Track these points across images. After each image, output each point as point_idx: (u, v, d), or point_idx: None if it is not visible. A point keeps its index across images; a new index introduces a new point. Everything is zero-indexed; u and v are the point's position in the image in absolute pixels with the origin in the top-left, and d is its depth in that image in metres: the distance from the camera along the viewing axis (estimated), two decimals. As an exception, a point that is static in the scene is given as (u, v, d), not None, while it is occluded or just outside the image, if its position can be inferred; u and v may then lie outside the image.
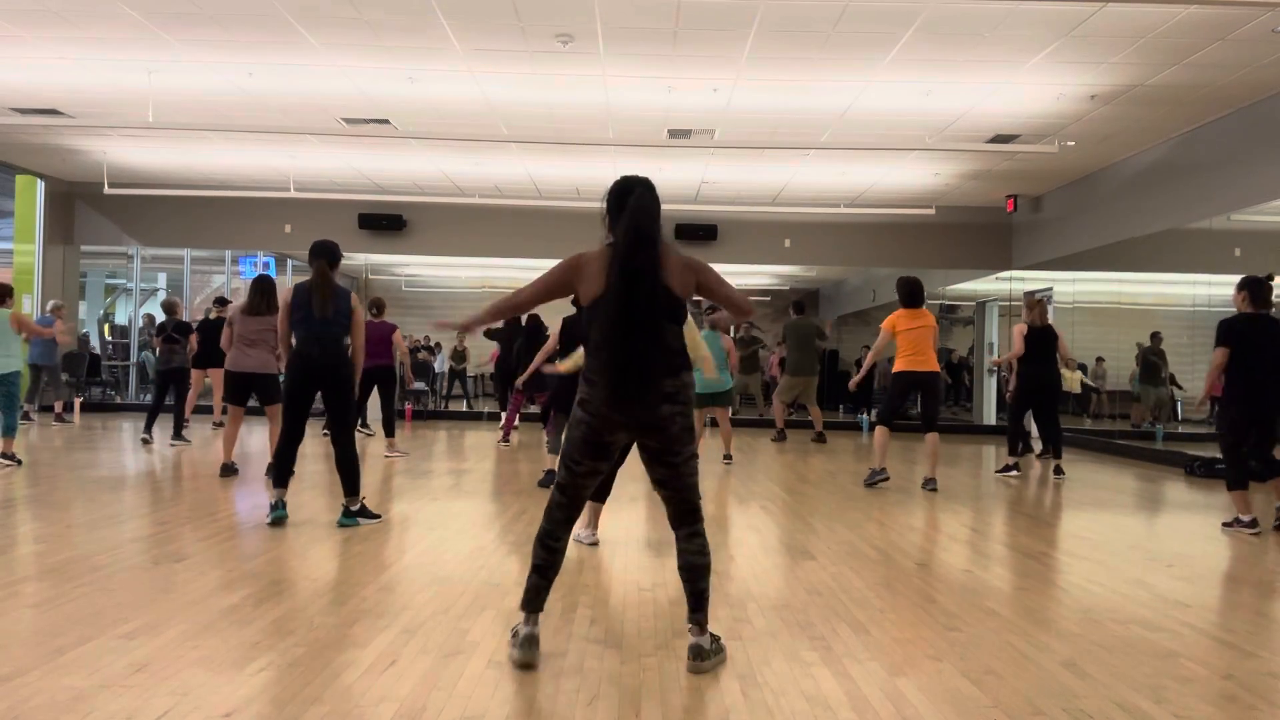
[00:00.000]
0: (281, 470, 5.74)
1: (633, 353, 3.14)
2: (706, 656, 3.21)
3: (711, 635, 3.30)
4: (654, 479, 3.32)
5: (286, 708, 2.79)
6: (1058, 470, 9.18)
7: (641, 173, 3.45)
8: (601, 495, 5.32)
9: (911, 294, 8.01)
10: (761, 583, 4.50)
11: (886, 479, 8.10)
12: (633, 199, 3.24)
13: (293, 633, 3.52)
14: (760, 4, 7.53)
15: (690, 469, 3.30)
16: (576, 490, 3.32)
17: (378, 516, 5.87)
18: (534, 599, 3.29)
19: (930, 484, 7.93)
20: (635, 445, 3.37)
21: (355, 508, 5.74)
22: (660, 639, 3.55)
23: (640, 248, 3.18)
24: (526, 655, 3.20)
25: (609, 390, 3.16)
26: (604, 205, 3.36)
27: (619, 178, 3.38)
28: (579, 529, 5.27)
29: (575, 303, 3.35)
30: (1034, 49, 8.33)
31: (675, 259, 3.29)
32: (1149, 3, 7.14)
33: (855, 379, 8.73)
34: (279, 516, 5.65)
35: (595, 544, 5.28)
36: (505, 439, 11.44)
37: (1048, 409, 9.36)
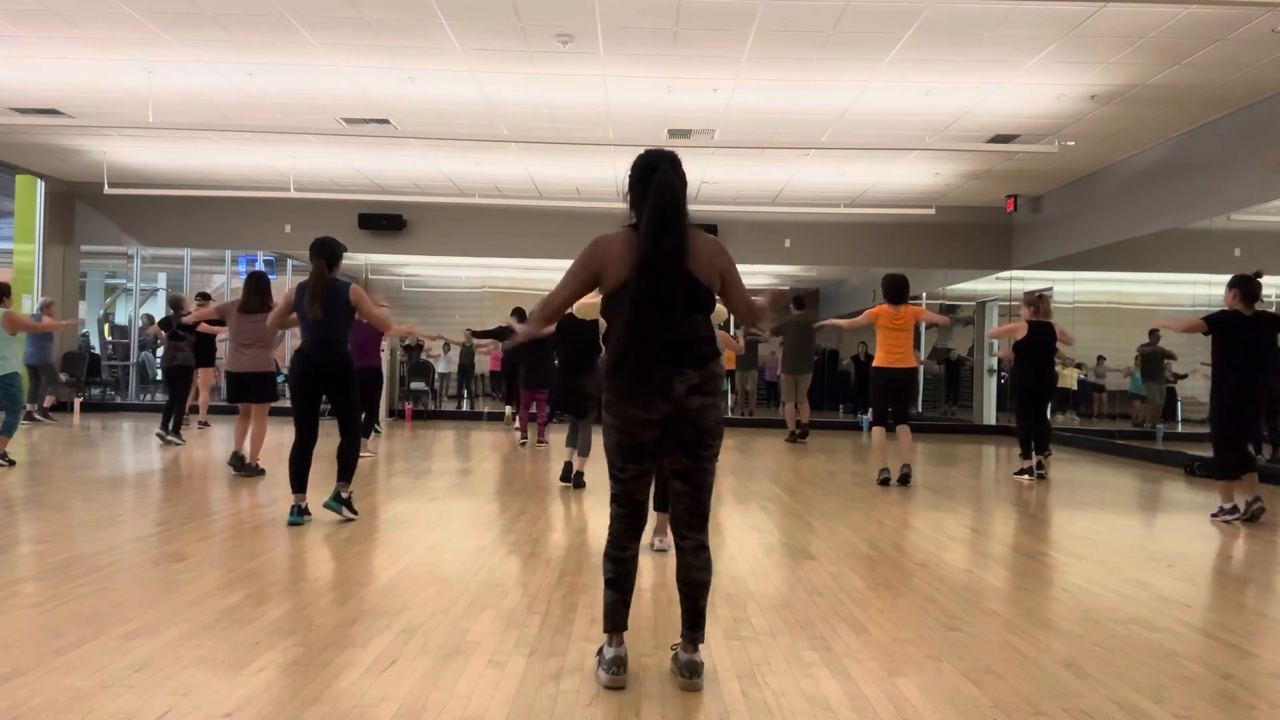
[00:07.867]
0: (298, 476, 5.76)
1: (658, 345, 2.92)
2: (700, 673, 3.08)
3: None
4: (674, 470, 3.10)
5: (286, 708, 2.79)
6: (1040, 468, 9.16)
7: None
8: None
9: (896, 290, 8.21)
10: (761, 583, 4.50)
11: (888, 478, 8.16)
12: (657, 176, 3.01)
13: (293, 633, 3.52)
14: (760, 4, 7.52)
15: (712, 467, 3.13)
16: (630, 497, 3.13)
17: (356, 514, 5.90)
18: (613, 616, 3.10)
19: (906, 470, 8.11)
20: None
21: (345, 495, 5.81)
22: (660, 639, 3.55)
23: (665, 231, 2.95)
24: (614, 678, 3.01)
25: (633, 387, 2.97)
26: (625, 182, 3.13)
27: (642, 152, 3.16)
28: (650, 537, 4.90)
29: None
30: (1034, 49, 8.33)
31: (704, 242, 3.08)
32: (1149, 3, 7.14)
33: (825, 321, 9.77)
34: (294, 522, 5.64)
35: (666, 550, 5.04)
36: (524, 439, 11.48)
37: (1038, 409, 9.37)
